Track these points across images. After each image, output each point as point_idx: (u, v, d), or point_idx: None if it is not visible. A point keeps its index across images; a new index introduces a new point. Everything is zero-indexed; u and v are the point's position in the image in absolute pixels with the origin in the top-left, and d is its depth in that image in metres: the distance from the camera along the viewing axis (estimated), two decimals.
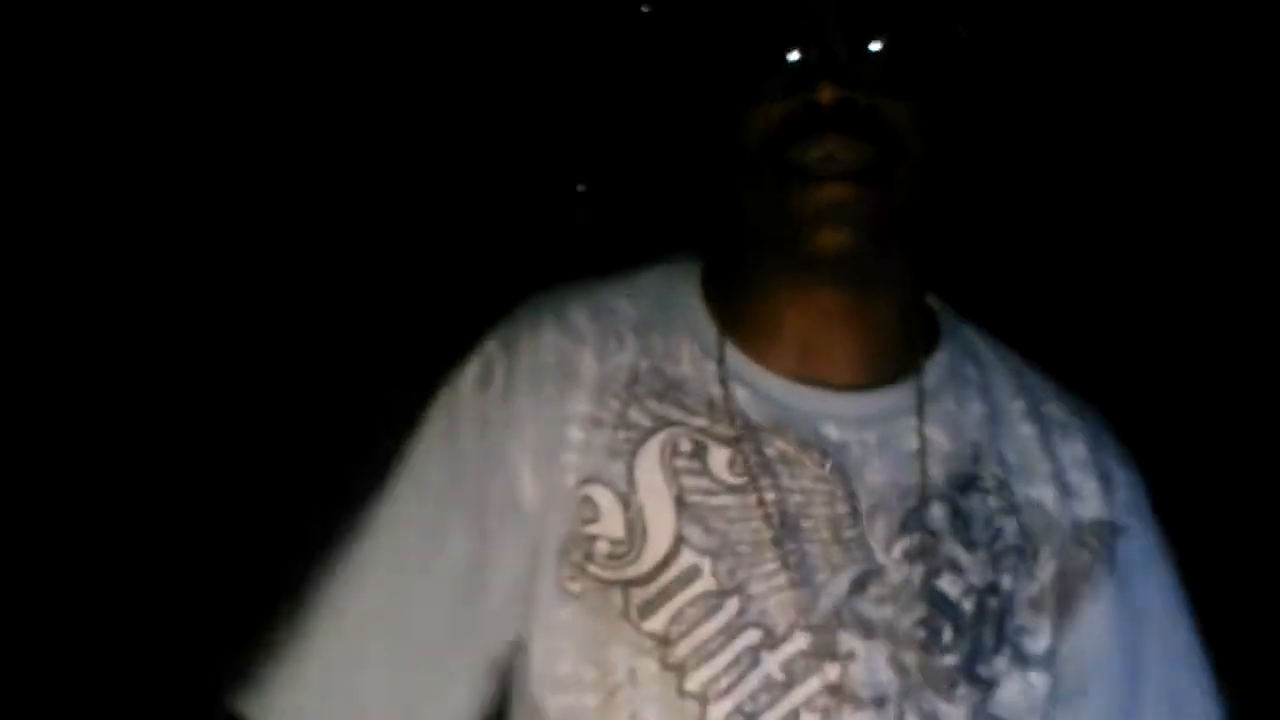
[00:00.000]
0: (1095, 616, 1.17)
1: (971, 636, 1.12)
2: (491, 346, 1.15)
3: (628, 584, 1.09)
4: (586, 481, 1.11)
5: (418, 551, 1.13)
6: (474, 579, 1.12)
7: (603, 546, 1.10)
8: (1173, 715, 1.20)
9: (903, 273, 1.16)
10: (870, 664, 1.10)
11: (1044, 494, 1.17)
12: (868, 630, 1.10)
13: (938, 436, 1.15)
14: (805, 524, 1.11)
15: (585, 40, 1.88)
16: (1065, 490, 1.17)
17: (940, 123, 1.09)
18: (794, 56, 1.04)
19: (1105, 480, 1.19)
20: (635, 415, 1.12)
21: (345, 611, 1.14)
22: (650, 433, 1.11)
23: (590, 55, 1.88)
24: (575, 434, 1.11)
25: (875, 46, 1.04)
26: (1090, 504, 1.18)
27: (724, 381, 1.13)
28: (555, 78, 1.94)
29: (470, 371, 1.15)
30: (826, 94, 1.02)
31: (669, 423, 1.12)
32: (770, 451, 1.11)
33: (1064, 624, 1.16)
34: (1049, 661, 1.15)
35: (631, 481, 1.10)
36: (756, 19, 1.06)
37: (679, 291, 1.18)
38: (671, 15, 1.16)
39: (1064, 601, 1.16)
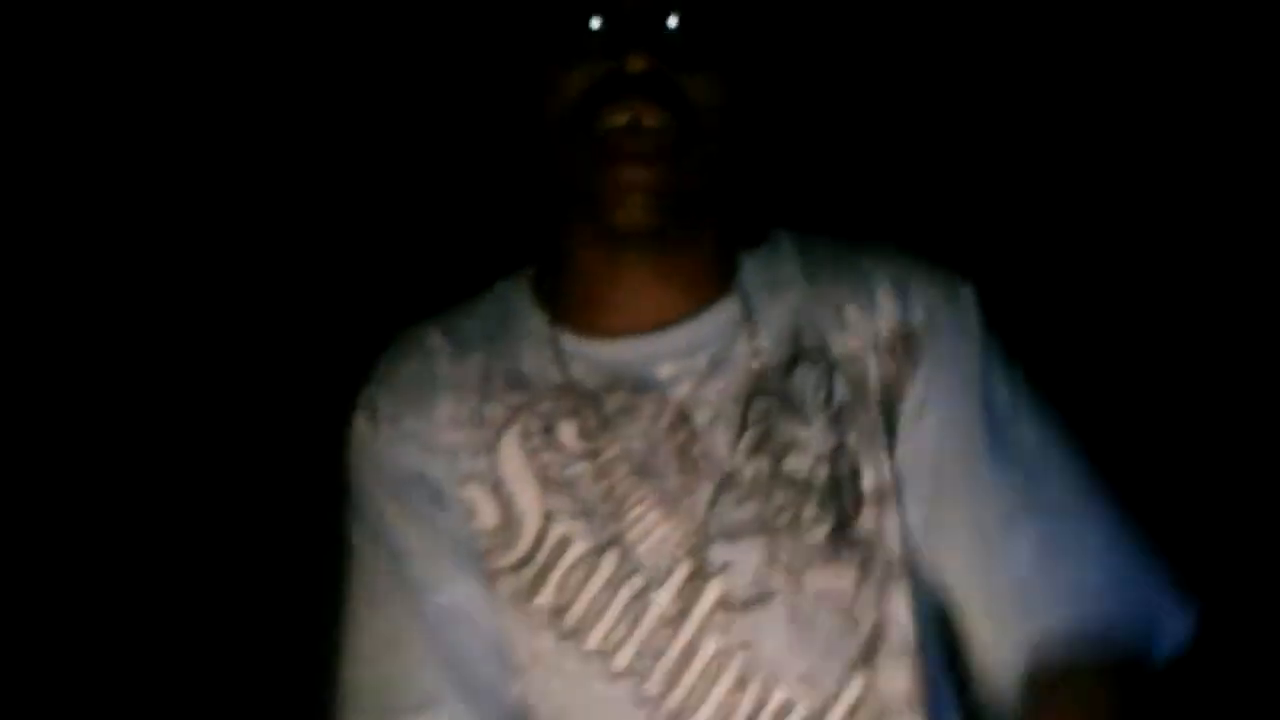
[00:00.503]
0: (908, 410, 1.17)
1: (835, 502, 1.14)
2: (369, 389, 1.24)
3: (512, 569, 1.17)
4: (462, 483, 1.19)
5: (386, 597, 1.20)
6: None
7: (484, 541, 1.18)
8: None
9: (707, 228, 1.20)
10: (747, 564, 1.13)
11: (859, 340, 1.18)
12: (735, 534, 1.14)
13: (764, 335, 1.18)
14: (655, 462, 1.16)
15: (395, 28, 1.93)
16: (866, 318, 1.18)
17: (738, 96, 1.14)
18: (596, 24, 1.11)
19: (901, 291, 1.19)
20: (490, 410, 1.20)
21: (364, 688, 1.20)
22: (506, 423, 1.19)
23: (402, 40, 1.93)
24: (452, 437, 1.20)
25: (673, 22, 1.11)
26: (888, 317, 1.18)
27: (560, 363, 1.20)
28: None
29: (359, 418, 1.23)
30: (635, 63, 1.09)
31: (519, 410, 1.19)
32: (609, 410, 1.17)
33: (892, 439, 1.17)
34: (891, 488, 1.16)
35: (497, 473, 1.18)
36: None
37: (513, 301, 1.25)
38: None
39: (888, 416, 1.17)
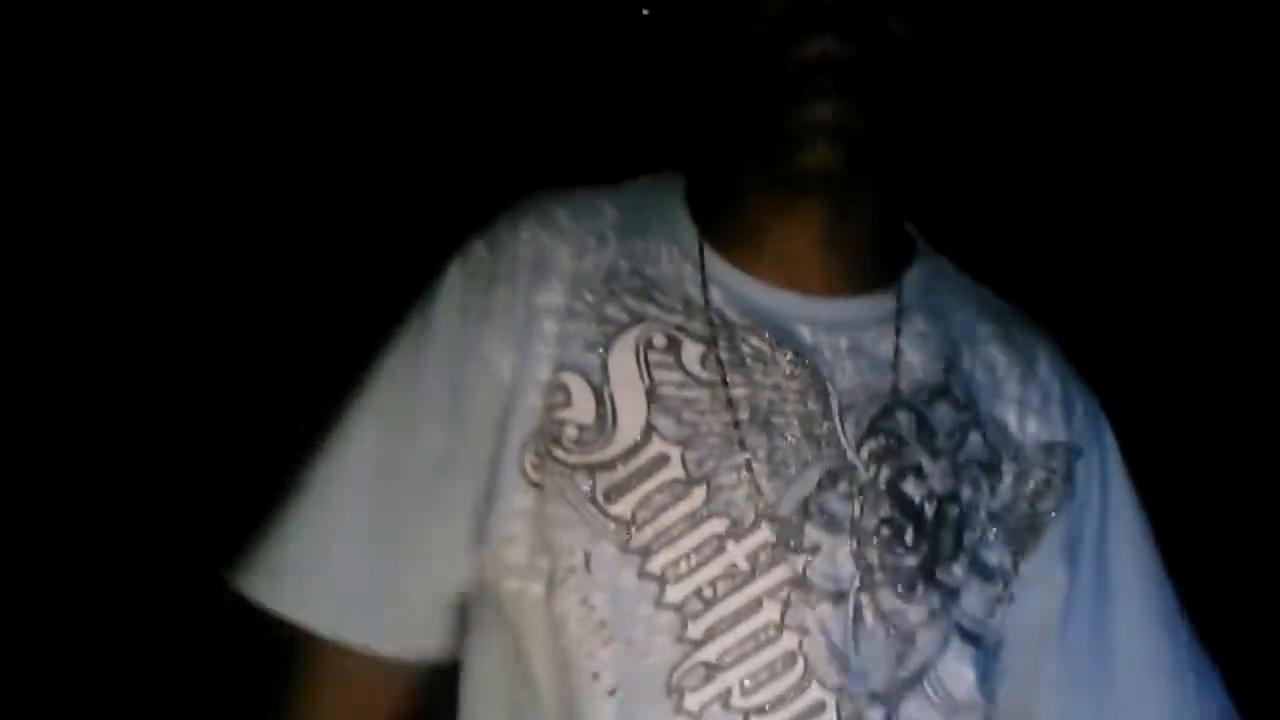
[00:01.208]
0: (1055, 537, 1.19)
1: (931, 540, 1.13)
2: (476, 243, 1.19)
3: (594, 468, 1.11)
4: (560, 369, 1.12)
5: (396, 433, 1.16)
6: (450, 457, 1.15)
7: (571, 431, 1.11)
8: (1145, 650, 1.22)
9: (882, 192, 1.18)
10: (833, 557, 1.11)
11: (1008, 413, 1.19)
12: (833, 525, 1.11)
13: (909, 348, 1.17)
14: (776, 420, 1.12)
15: None
16: (1028, 411, 1.19)
17: (936, 45, 1.11)
18: None
19: (1066, 405, 1.21)
20: (611, 310, 1.14)
21: (327, 493, 1.17)
22: (625, 327, 1.13)
23: None
24: (549, 326, 1.13)
25: None
26: (1052, 427, 1.20)
27: (702, 282, 1.15)
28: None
29: (454, 265, 1.18)
30: None
31: (644, 318, 1.14)
32: (745, 349, 1.13)
33: (1026, 542, 1.17)
34: (1001, 575, 1.16)
35: (605, 372, 1.12)
36: None
37: (662, 199, 1.20)
38: None
39: (1024, 520, 1.18)
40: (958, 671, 1.14)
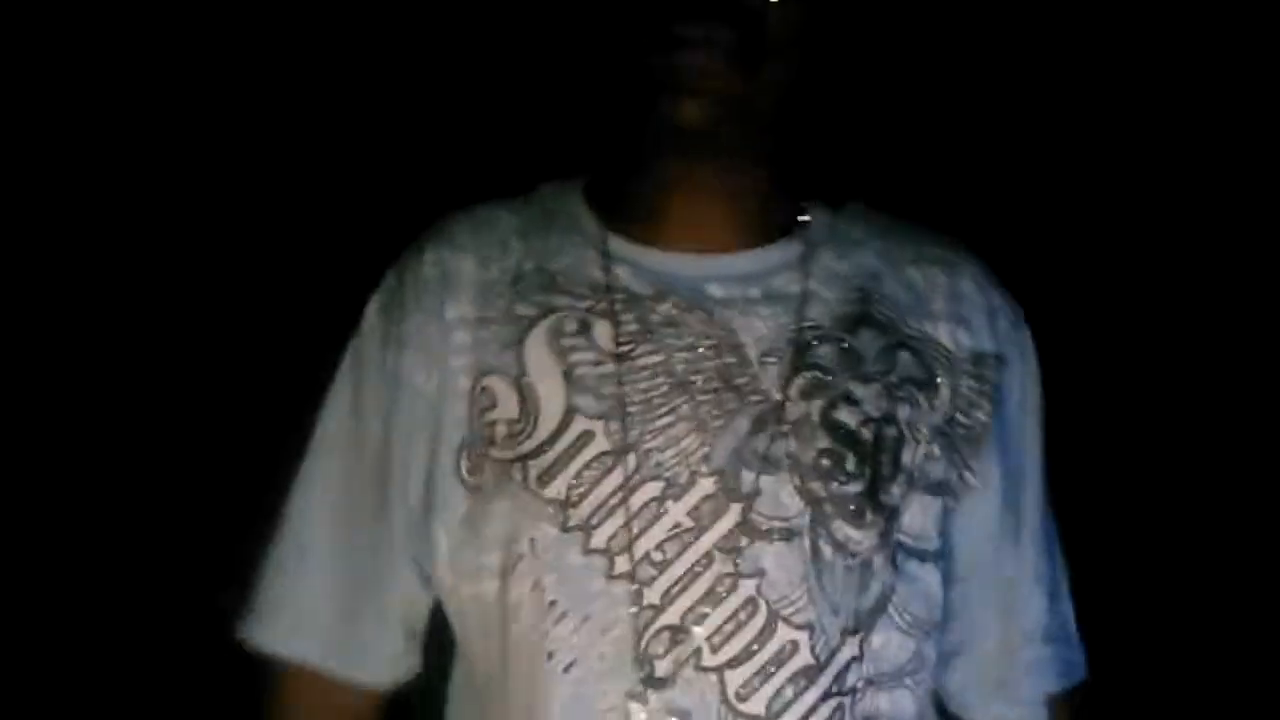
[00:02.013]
0: (990, 445, 1.18)
1: (872, 464, 1.12)
2: (388, 275, 1.22)
3: (525, 458, 1.12)
4: (480, 375, 1.14)
5: (345, 471, 1.21)
6: (394, 488, 1.18)
7: (501, 429, 1.13)
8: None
9: (769, 156, 1.18)
10: (777, 497, 1.10)
11: (937, 328, 1.18)
12: (770, 465, 1.10)
13: (821, 286, 1.17)
14: (695, 378, 1.12)
15: None
16: (956, 324, 1.19)
17: (815, 31, 1.13)
18: None
19: (990, 315, 1.21)
20: (521, 309, 1.16)
21: (296, 533, 1.23)
22: (536, 320, 1.15)
23: None
24: (462, 337, 1.16)
25: None
26: (979, 336, 1.19)
27: (606, 265, 1.17)
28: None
29: (373, 303, 1.22)
30: None
31: (554, 309, 1.15)
32: (654, 318, 1.14)
33: (966, 455, 1.17)
34: (947, 488, 1.16)
35: (522, 366, 1.14)
36: None
37: (562, 202, 1.22)
38: None
39: (962, 432, 1.17)
40: (917, 591, 1.13)
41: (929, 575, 1.14)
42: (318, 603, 1.20)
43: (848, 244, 1.20)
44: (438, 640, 1.23)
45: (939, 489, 1.15)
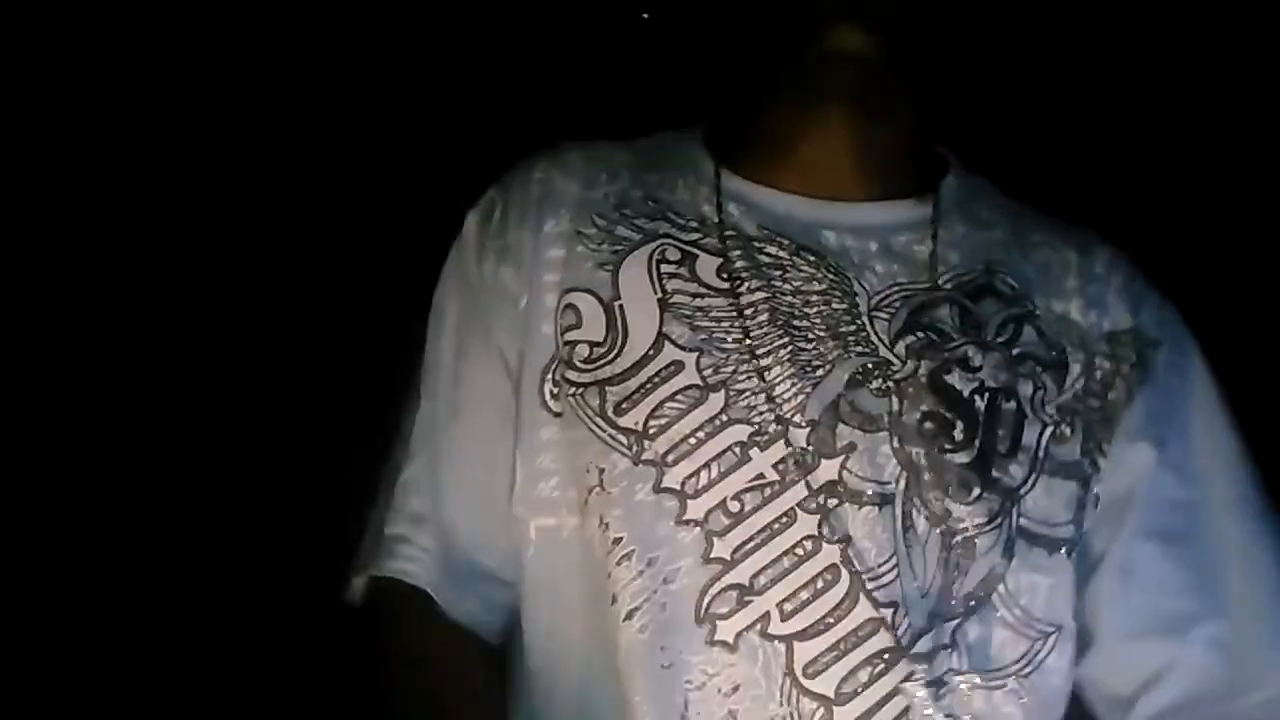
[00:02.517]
0: (1132, 423, 1.07)
1: (985, 436, 1.02)
2: (491, 191, 1.16)
3: (605, 382, 1.04)
4: (569, 291, 1.07)
5: (449, 377, 1.13)
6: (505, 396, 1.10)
7: (582, 350, 1.06)
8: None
9: (909, 105, 1.12)
10: (872, 457, 1.01)
11: (1069, 306, 1.10)
12: (869, 422, 1.01)
13: (947, 250, 1.09)
14: (799, 323, 1.04)
15: None
16: (1088, 303, 1.10)
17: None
18: None
19: (1130, 296, 1.12)
20: (623, 231, 1.09)
21: (413, 440, 1.13)
22: (638, 245, 1.08)
23: None
24: (555, 252, 1.09)
25: None
26: (1115, 316, 1.10)
27: (718, 201, 1.10)
28: None
29: (472, 215, 1.16)
30: None
31: (658, 235, 1.09)
32: (763, 258, 1.07)
33: (1100, 434, 1.06)
34: (1079, 471, 1.05)
35: (615, 287, 1.07)
36: None
37: (679, 142, 1.17)
38: None
39: (1096, 411, 1.07)
40: (1033, 583, 1.02)
41: (1056, 567, 1.04)
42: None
43: (977, 215, 1.13)
44: None
45: (1070, 470, 1.05)
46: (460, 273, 1.14)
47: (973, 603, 1.00)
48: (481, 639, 1.10)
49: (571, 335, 1.06)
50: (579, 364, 1.05)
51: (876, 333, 1.04)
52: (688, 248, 1.08)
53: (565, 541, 1.04)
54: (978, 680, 1.00)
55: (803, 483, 1.00)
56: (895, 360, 1.03)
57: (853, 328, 1.04)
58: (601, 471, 1.02)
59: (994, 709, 1.00)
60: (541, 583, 1.07)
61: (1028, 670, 1.01)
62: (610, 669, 1.00)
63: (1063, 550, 1.04)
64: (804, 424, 1.01)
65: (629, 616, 0.99)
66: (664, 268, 1.07)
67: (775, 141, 1.11)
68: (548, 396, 1.06)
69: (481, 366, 1.11)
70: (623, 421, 1.02)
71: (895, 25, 1.03)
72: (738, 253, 1.07)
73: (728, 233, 1.08)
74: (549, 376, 1.06)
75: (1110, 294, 1.11)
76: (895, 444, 1.01)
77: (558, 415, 1.05)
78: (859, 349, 1.03)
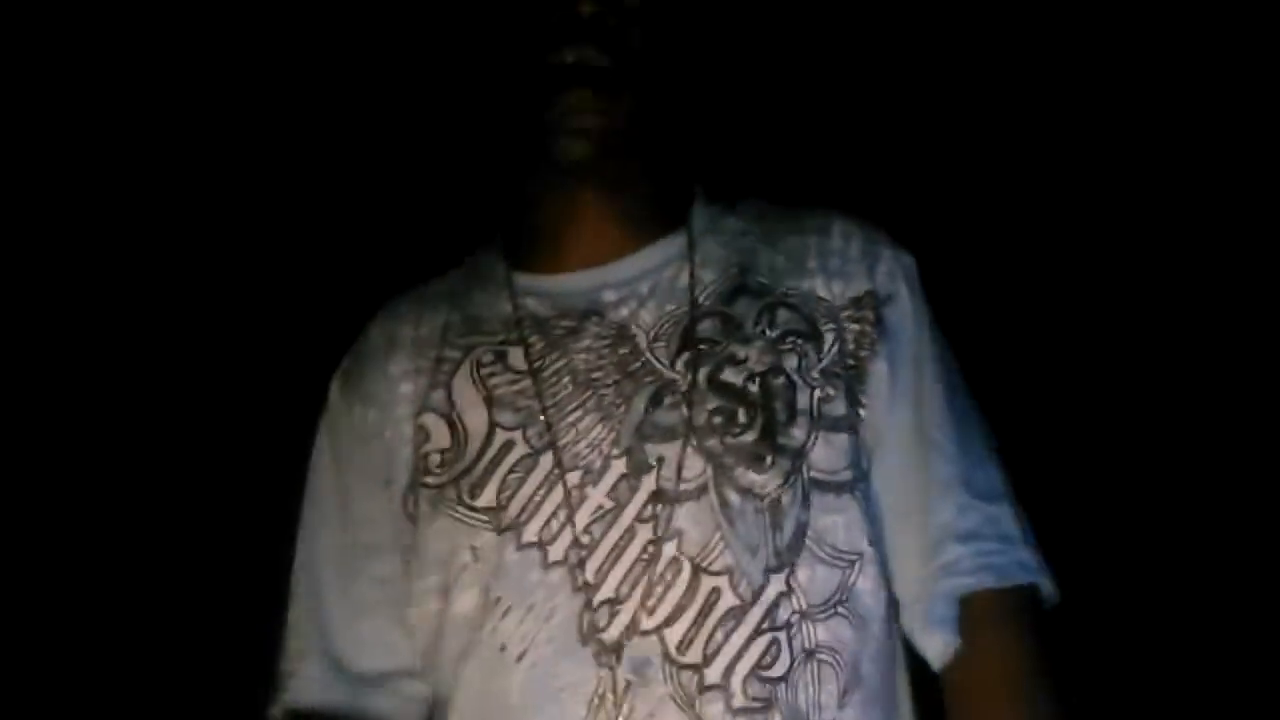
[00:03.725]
0: (878, 374, 1.25)
1: (764, 413, 1.20)
2: (345, 359, 1.37)
3: (458, 478, 1.23)
4: (418, 414, 1.28)
5: (331, 511, 1.34)
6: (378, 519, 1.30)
7: (434, 459, 1.25)
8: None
9: (648, 166, 1.30)
10: (680, 461, 1.19)
11: (814, 283, 1.27)
12: (669, 434, 1.20)
13: (703, 270, 1.27)
14: (596, 375, 1.23)
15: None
16: (831, 276, 1.27)
17: (675, 47, 1.26)
18: None
19: (866, 259, 1.28)
20: (448, 353, 1.29)
21: (299, 594, 1.35)
22: (460, 360, 1.28)
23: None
24: (405, 388, 1.30)
25: None
26: (855, 282, 1.27)
27: (513, 300, 1.29)
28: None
29: (334, 382, 1.37)
30: (585, 7, 1.19)
31: (474, 347, 1.28)
32: (558, 333, 1.26)
33: (857, 389, 1.24)
34: (848, 423, 1.22)
35: (450, 400, 1.27)
36: None
37: (482, 258, 1.36)
38: None
39: (852, 370, 1.24)
40: (833, 523, 1.19)
41: (846, 506, 1.20)
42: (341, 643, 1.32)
43: (730, 231, 1.30)
44: None
45: (841, 424, 1.22)
46: (330, 428, 1.34)
47: (794, 551, 1.17)
48: None
49: (425, 449, 1.26)
50: (434, 470, 1.25)
51: (658, 360, 1.22)
52: (499, 347, 1.27)
53: (438, 624, 1.23)
54: (818, 615, 1.17)
55: (634, 502, 1.18)
56: (677, 377, 1.21)
57: (638, 364, 1.22)
58: (474, 549, 1.21)
59: (833, 635, 1.18)
60: (434, 662, 1.25)
61: (845, 597, 1.19)
62: (506, 708, 1.18)
63: (849, 491, 1.21)
64: (620, 454, 1.19)
65: (520, 658, 1.17)
66: (483, 370, 1.26)
67: (545, 230, 1.30)
68: (407, 507, 1.26)
69: (359, 496, 1.31)
70: (478, 503, 1.21)
71: (614, 130, 1.21)
72: (535, 337, 1.26)
73: (526, 324, 1.27)
74: (414, 489, 1.26)
75: (850, 263, 1.28)
76: (695, 444, 1.19)
77: (423, 517, 1.25)
78: (648, 379, 1.22)
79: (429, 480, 1.25)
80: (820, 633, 1.17)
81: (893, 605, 1.23)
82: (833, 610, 1.18)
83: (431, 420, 1.27)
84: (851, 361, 1.24)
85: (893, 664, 1.24)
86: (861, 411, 1.24)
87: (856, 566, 1.20)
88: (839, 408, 1.23)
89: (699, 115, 1.34)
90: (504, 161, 1.34)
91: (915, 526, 1.24)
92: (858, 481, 1.22)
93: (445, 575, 1.22)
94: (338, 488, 1.33)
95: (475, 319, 1.30)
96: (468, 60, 1.34)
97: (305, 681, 1.32)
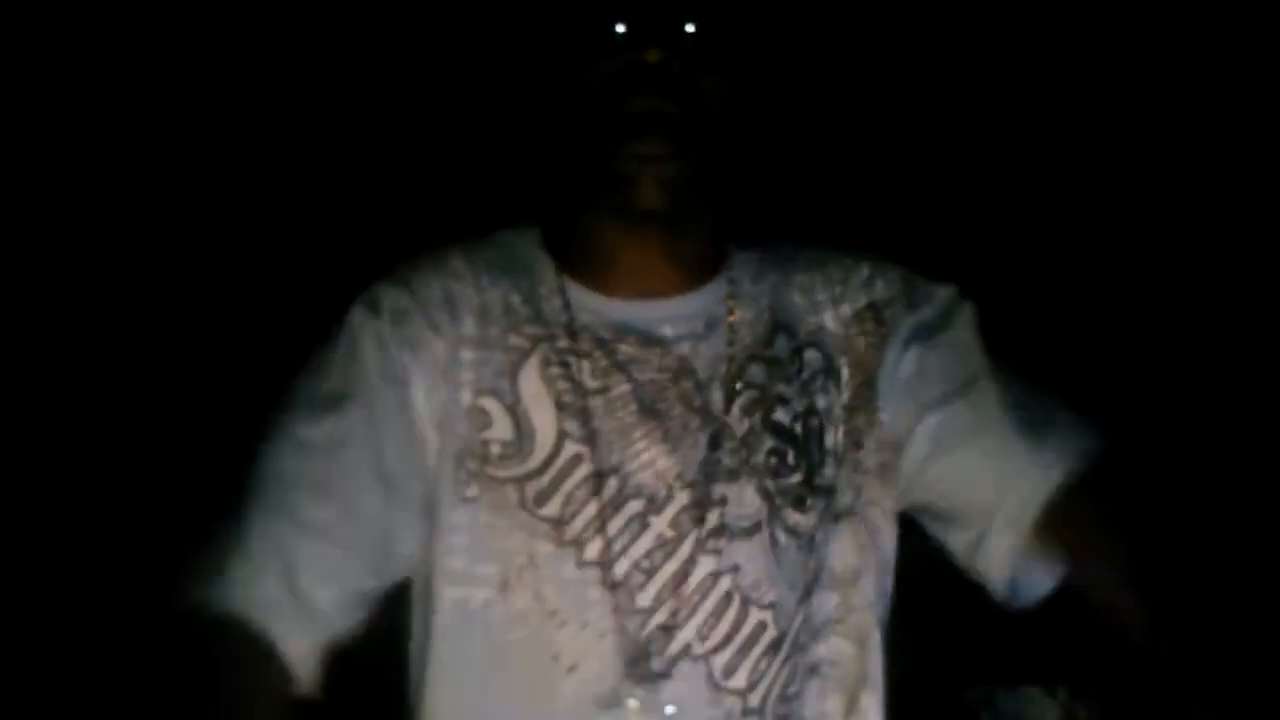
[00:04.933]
0: (887, 364, 1.37)
1: (805, 456, 1.33)
2: (378, 287, 1.35)
3: (522, 479, 1.28)
4: (479, 394, 1.30)
5: (323, 450, 1.29)
6: (399, 470, 1.30)
7: (495, 449, 1.29)
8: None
9: (707, 212, 1.36)
10: (741, 501, 1.29)
11: (824, 316, 1.38)
12: (732, 475, 1.30)
13: (744, 311, 1.36)
14: (660, 405, 1.31)
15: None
16: (836, 303, 1.38)
17: (743, 95, 1.32)
18: (621, 29, 1.26)
19: (867, 279, 1.40)
20: (514, 339, 1.32)
21: (269, 499, 1.29)
22: (528, 353, 1.31)
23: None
24: (467, 354, 1.32)
25: (689, 27, 1.27)
26: (855, 299, 1.39)
27: (568, 308, 1.33)
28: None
29: (358, 307, 1.34)
30: (653, 55, 1.25)
31: (540, 341, 1.32)
32: (620, 356, 1.32)
33: (874, 401, 1.36)
34: (860, 437, 1.35)
35: (516, 393, 1.30)
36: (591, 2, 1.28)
37: (523, 247, 1.39)
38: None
39: (864, 386, 1.36)
40: (838, 551, 1.34)
41: (849, 530, 1.34)
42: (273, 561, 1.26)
43: (762, 272, 1.39)
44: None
45: (859, 465, 1.35)
46: (351, 351, 1.30)
47: (812, 582, 1.31)
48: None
49: (485, 434, 1.29)
50: (494, 460, 1.28)
51: (716, 399, 1.31)
52: (565, 355, 1.31)
53: (476, 612, 1.28)
54: (819, 635, 1.31)
55: (692, 534, 1.28)
56: (734, 422, 1.31)
57: (700, 401, 1.31)
58: (532, 555, 1.26)
59: (834, 650, 1.31)
60: (449, 647, 1.29)
61: (846, 614, 1.32)
62: (550, 712, 1.25)
63: (850, 514, 1.34)
64: (684, 487, 1.28)
65: (571, 669, 1.25)
66: (551, 371, 1.30)
67: (604, 254, 1.34)
68: (462, 484, 1.29)
69: (390, 434, 1.28)
70: (543, 512, 1.27)
71: (684, 179, 1.27)
72: (599, 353, 1.31)
73: (585, 338, 1.31)
74: (464, 466, 1.28)
75: (849, 286, 1.39)
76: (755, 484, 1.30)
77: (473, 500, 1.28)
78: (709, 416, 1.31)
79: (492, 472, 1.28)
80: (821, 650, 1.32)
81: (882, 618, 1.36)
82: (831, 630, 1.32)
83: (493, 406, 1.30)
84: (863, 379, 1.36)
85: (880, 672, 1.37)
86: (881, 416, 1.35)
87: (858, 586, 1.34)
88: (860, 438, 1.35)
89: (752, 159, 1.40)
90: (545, 167, 1.37)
91: (992, 486, 1.34)
92: (857, 505, 1.34)
93: (503, 570, 1.26)
94: (369, 405, 1.29)
95: (537, 312, 1.33)
96: (523, 89, 1.38)
97: (256, 594, 1.24)
